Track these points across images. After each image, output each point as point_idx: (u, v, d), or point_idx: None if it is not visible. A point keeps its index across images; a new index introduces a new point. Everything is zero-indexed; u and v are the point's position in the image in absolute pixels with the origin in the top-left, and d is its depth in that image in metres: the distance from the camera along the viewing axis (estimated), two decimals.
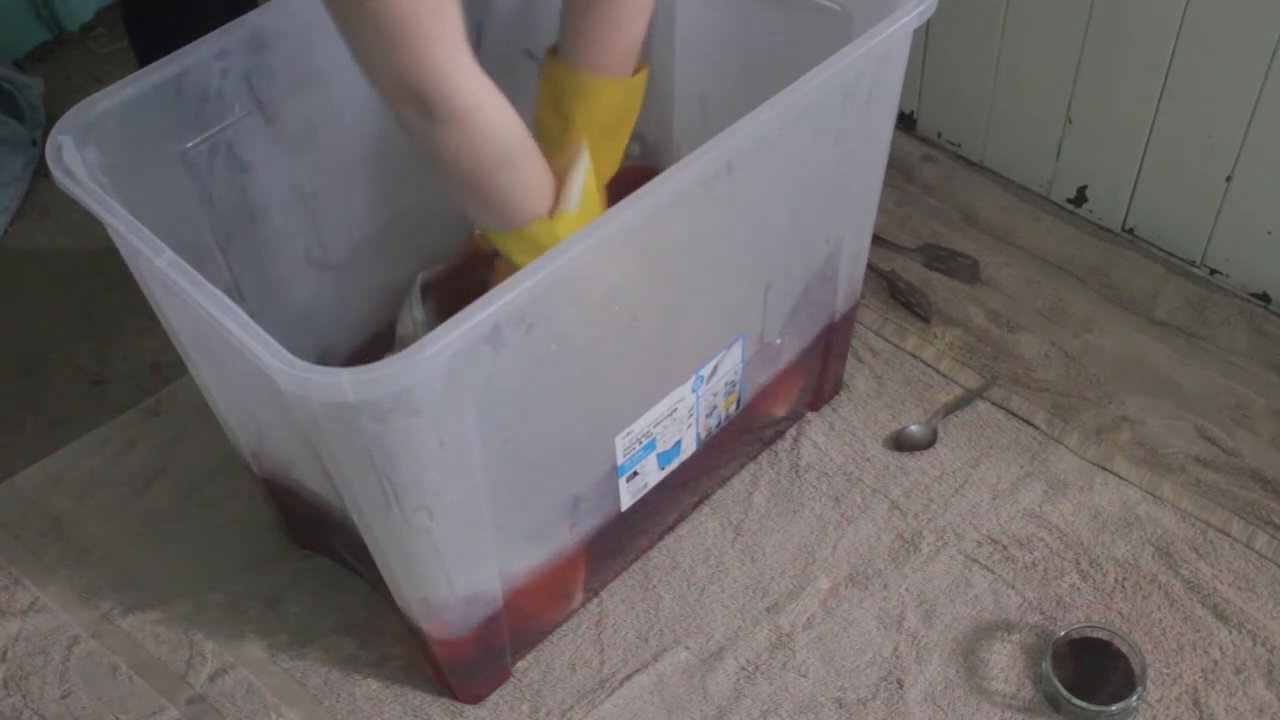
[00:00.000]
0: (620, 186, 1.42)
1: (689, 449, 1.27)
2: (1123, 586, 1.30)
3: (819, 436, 1.44)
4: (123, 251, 1.03)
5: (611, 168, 1.21)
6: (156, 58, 1.07)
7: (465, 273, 1.29)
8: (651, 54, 1.44)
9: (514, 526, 1.11)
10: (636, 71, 1.17)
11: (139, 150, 1.07)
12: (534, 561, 1.19)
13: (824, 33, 1.20)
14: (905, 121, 1.78)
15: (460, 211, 1.06)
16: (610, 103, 1.17)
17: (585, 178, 1.05)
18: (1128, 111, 1.51)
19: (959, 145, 1.74)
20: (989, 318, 1.55)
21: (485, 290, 0.90)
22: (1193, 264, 1.58)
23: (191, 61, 1.07)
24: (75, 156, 0.99)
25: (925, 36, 1.67)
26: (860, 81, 1.11)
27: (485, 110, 0.95)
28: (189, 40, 1.08)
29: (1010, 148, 1.69)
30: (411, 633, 1.20)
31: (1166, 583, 1.30)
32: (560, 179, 1.05)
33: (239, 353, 0.87)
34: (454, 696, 1.24)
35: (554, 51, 1.17)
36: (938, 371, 1.50)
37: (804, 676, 1.25)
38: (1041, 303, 1.57)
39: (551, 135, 1.18)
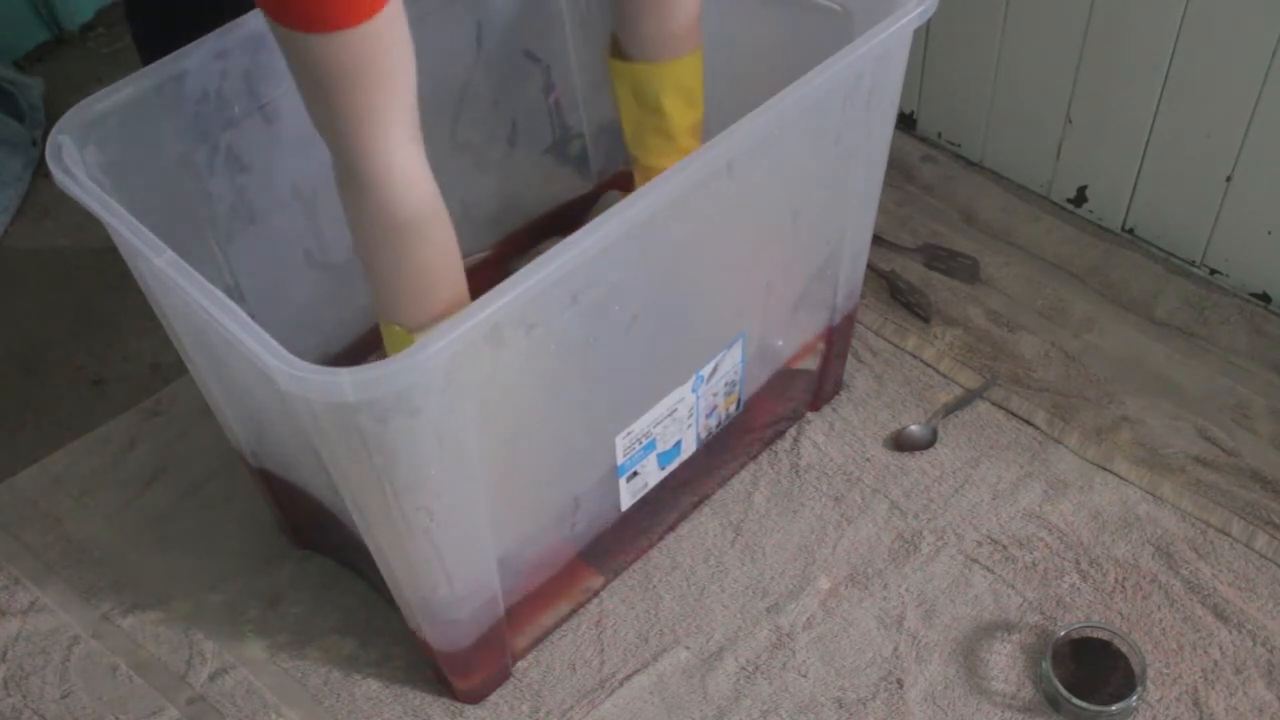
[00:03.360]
0: (621, 187, 1.42)
1: (689, 449, 1.27)
2: (1123, 586, 1.30)
3: (819, 436, 1.44)
4: (123, 251, 1.03)
5: (698, 131, 1.23)
6: (161, 54, 1.07)
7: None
8: None
9: (514, 526, 1.12)
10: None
11: (139, 150, 1.07)
12: (534, 561, 1.19)
13: (824, 33, 1.20)
14: (905, 121, 1.78)
15: (461, 213, 1.06)
16: (693, 76, 1.18)
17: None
18: (1128, 111, 1.51)
19: (959, 145, 1.74)
20: (989, 318, 1.55)
21: None
22: (1193, 264, 1.58)
23: (191, 61, 1.07)
24: (75, 156, 0.99)
25: (925, 36, 1.67)
26: (860, 81, 1.11)
27: (401, 198, 0.93)
28: (190, 39, 1.08)
29: (1010, 148, 1.69)
30: (411, 632, 1.20)
31: (1166, 583, 1.30)
32: (455, 306, 0.99)
33: (239, 353, 0.87)
34: (454, 696, 1.24)
35: (618, 54, 1.19)
36: (938, 371, 1.50)
37: (804, 676, 1.25)
38: (1041, 303, 1.57)
39: (648, 128, 1.21)
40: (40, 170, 1.81)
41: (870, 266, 1.49)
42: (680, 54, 1.17)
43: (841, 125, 1.14)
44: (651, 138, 1.23)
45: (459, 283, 1.00)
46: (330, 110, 0.90)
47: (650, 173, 1.25)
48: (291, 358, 0.84)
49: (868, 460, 1.42)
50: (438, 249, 0.97)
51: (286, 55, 0.89)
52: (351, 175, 0.93)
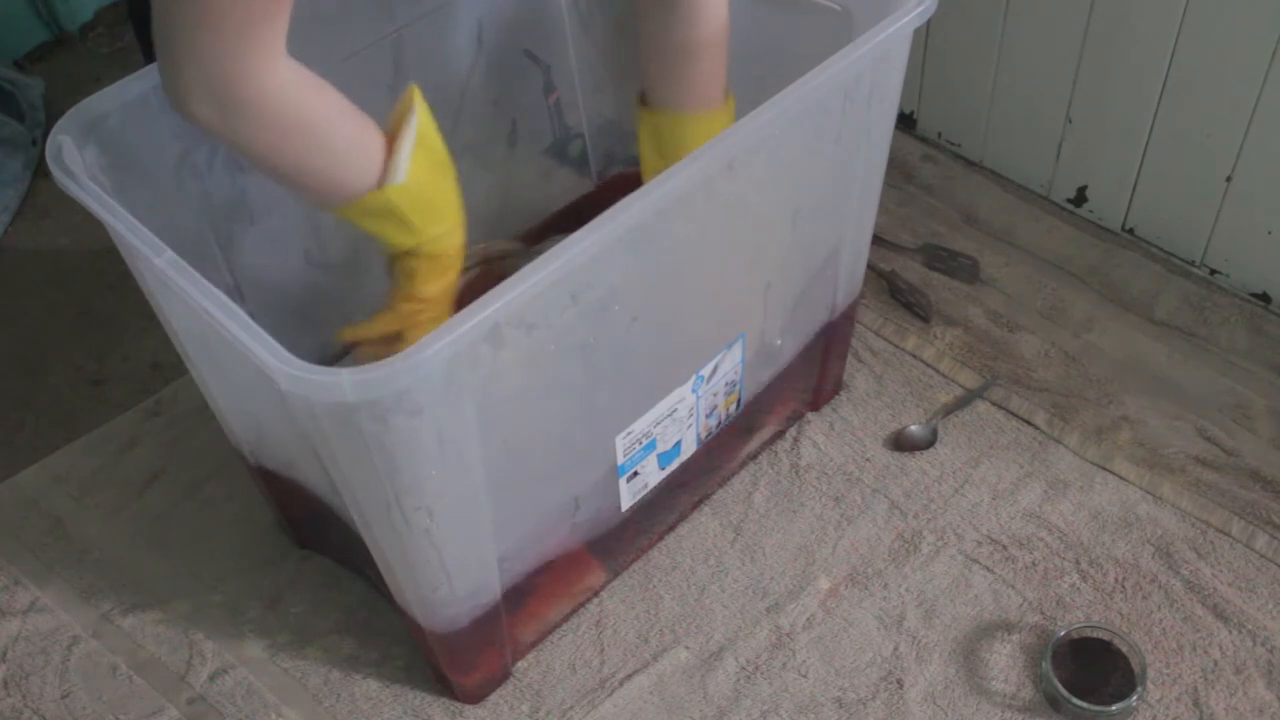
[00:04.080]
0: (621, 186, 1.42)
1: (689, 449, 1.27)
2: (1123, 586, 1.30)
3: (819, 436, 1.44)
4: (123, 251, 1.03)
5: None
6: None
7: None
8: None
9: (514, 526, 1.12)
10: (727, 97, 1.19)
11: (139, 150, 1.07)
12: (534, 561, 1.19)
13: (824, 33, 1.20)
14: (905, 121, 1.78)
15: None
16: (711, 134, 1.18)
17: (414, 142, 0.99)
18: (1128, 111, 1.51)
19: (959, 145, 1.74)
20: (989, 318, 1.55)
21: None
22: (1193, 264, 1.58)
23: None
24: (75, 156, 0.99)
25: (925, 36, 1.67)
26: (860, 81, 1.11)
27: (281, 96, 0.91)
28: None
29: (1010, 148, 1.69)
30: (411, 632, 1.20)
31: (1166, 583, 1.30)
32: (385, 139, 1.00)
33: (239, 353, 0.87)
34: (454, 696, 1.24)
35: (644, 101, 1.20)
36: (938, 371, 1.50)
37: (804, 676, 1.25)
38: (1041, 303, 1.57)
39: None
40: (40, 170, 1.81)
41: (870, 266, 1.49)
42: (711, 107, 1.18)
43: (841, 125, 1.14)
44: None
45: (370, 125, 0.99)
46: (203, 40, 0.85)
47: None
48: (291, 358, 0.84)
49: (868, 460, 1.42)
50: (346, 122, 0.96)
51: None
52: (235, 105, 0.89)
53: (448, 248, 1.06)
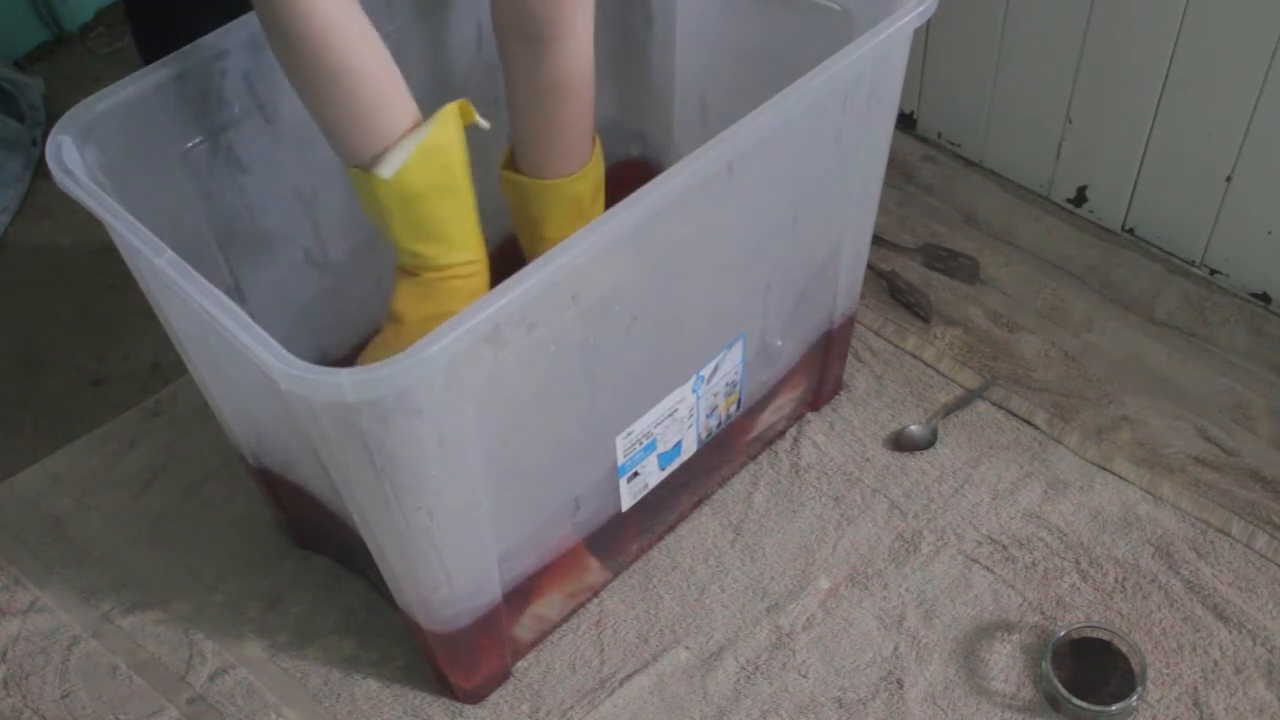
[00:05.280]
0: (620, 186, 1.43)
1: (689, 449, 1.27)
2: (1123, 586, 1.30)
3: (819, 436, 1.44)
4: (123, 251, 1.03)
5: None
6: (161, 54, 1.07)
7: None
8: (651, 54, 1.45)
9: (514, 526, 1.12)
10: (594, 145, 1.20)
11: (139, 150, 1.07)
12: (534, 561, 1.19)
13: (824, 33, 1.20)
14: (905, 121, 1.78)
15: None
16: (577, 194, 1.20)
17: (422, 145, 0.98)
18: (1128, 111, 1.51)
19: (959, 145, 1.74)
20: (989, 318, 1.55)
21: None
22: (1193, 264, 1.58)
23: (191, 61, 1.07)
24: (75, 156, 0.99)
25: (925, 36, 1.67)
26: (860, 82, 1.11)
27: (319, 32, 0.92)
28: (190, 39, 1.08)
29: (1010, 148, 1.69)
30: (411, 632, 1.20)
31: (1166, 583, 1.30)
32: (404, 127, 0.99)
33: (239, 353, 0.87)
34: (454, 696, 1.24)
35: (510, 164, 1.21)
36: (938, 371, 1.50)
37: (804, 676, 1.25)
38: (1041, 303, 1.57)
39: (537, 237, 1.23)
40: (40, 170, 1.81)
41: (870, 266, 1.49)
42: (571, 171, 1.19)
43: (841, 125, 1.14)
44: (540, 245, 1.24)
45: (404, 100, 0.99)
46: None
47: None
48: (291, 358, 0.84)
49: (868, 460, 1.42)
50: (380, 81, 0.97)
51: None
52: (278, 34, 0.92)
53: (430, 274, 1.04)
